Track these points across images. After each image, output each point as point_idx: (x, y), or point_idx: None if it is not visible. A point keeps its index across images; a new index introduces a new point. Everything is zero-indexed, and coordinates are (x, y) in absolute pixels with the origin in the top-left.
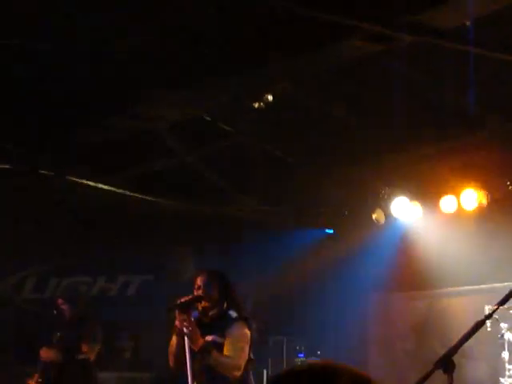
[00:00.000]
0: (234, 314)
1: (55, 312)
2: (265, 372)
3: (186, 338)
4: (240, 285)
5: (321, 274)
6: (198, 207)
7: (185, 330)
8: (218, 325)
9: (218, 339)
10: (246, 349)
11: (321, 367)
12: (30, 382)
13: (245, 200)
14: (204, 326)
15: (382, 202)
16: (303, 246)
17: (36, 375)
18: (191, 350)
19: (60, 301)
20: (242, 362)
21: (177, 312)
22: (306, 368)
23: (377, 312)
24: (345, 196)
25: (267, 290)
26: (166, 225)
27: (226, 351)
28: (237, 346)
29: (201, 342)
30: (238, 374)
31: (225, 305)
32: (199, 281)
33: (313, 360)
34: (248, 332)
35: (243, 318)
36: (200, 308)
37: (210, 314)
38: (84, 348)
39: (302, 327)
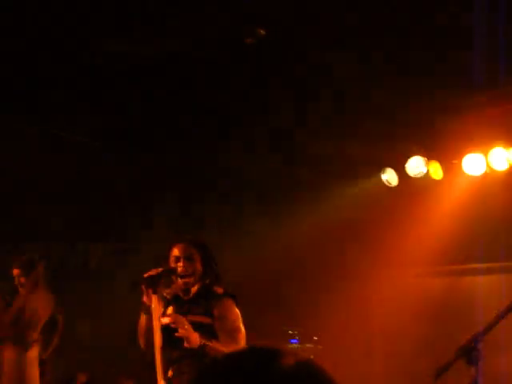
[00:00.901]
0: (219, 289)
1: None
2: None
3: (153, 317)
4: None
5: (321, 247)
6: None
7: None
8: (201, 303)
9: (205, 320)
10: (243, 327)
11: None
12: None
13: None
14: (185, 305)
15: (394, 161)
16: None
17: None
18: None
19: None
20: (244, 343)
21: (144, 287)
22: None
23: (384, 291)
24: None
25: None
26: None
27: (222, 337)
28: (233, 328)
29: (198, 341)
30: None
31: (207, 280)
32: (178, 251)
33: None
34: (237, 310)
35: (230, 295)
36: (178, 283)
37: (192, 290)
38: (34, 336)
39: (295, 308)
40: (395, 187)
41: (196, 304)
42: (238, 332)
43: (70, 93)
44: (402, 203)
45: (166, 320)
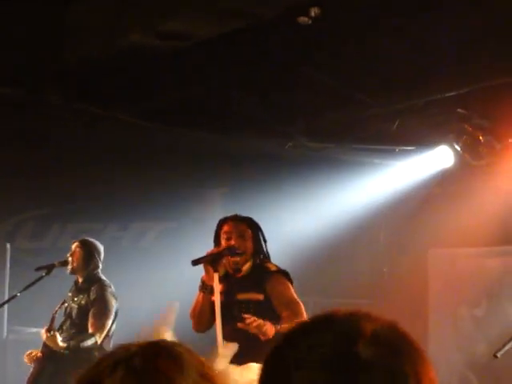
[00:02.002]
0: (272, 266)
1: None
2: None
3: (215, 295)
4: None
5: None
6: (231, 141)
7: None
8: (252, 279)
9: (256, 296)
10: (298, 299)
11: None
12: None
13: (291, 134)
14: (236, 283)
15: (446, 137)
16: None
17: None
18: (223, 309)
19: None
20: (304, 312)
21: (205, 266)
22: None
23: (438, 272)
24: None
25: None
26: (190, 163)
27: (283, 312)
28: (291, 300)
29: (273, 330)
30: None
31: (258, 258)
32: (229, 228)
33: None
34: (290, 284)
35: (283, 271)
36: (228, 260)
37: (243, 269)
38: (92, 326)
39: (346, 287)
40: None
41: (247, 281)
42: (297, 304)
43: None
44: (457, 181)
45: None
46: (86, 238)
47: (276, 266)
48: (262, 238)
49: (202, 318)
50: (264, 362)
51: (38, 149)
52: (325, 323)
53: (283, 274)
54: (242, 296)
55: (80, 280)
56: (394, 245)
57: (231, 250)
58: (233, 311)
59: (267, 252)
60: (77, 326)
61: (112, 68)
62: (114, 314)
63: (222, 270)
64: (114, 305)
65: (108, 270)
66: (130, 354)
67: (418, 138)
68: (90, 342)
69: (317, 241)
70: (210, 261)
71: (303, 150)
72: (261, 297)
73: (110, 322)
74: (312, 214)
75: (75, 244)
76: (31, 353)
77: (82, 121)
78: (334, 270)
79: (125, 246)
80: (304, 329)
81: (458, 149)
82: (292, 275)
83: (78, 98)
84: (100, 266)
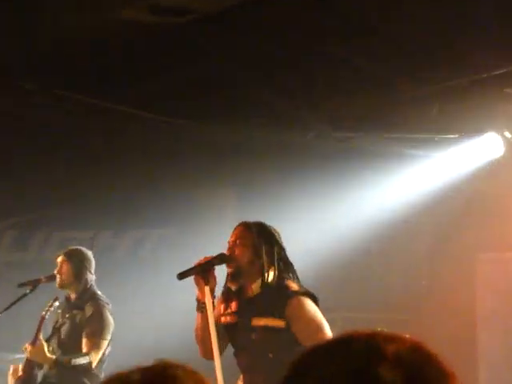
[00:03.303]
0: (292, 285)
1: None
2: None
3: (208, 313)
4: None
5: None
6: (246, 133)
7: None
8: (269, 301)
9: (276, 323)
10: (325, 323)
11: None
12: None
13: (313, 122)
14: (249, 304)
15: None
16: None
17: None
18: (230, 326)
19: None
20: None
21: (195, 279)
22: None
23: (488, 281)
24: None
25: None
26: (196, 158)
27: (305, 342)
28: (314, 328)
29: None
30: None
31: (274, 273)
32: (233, 238)
33: None
34: (315, 306)
35: (306, 292)
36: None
37: (253, 285)
38: (86, 346)
39: (382, 298)
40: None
41: (262, 302)
42: (321, 332)
43: None
44: (508, 174)
45: (229, 318)
46: (72, 248)
47: (298, 285)
48: (279, 249)
49: (206, 342)
50: None
51: (16, 143)
52: (342, 345)
53: (307, 295)
54: (257, 322)
55: (73, 296)
56: (435, 250)
57: (223, 259)
58: (251, 336)
59: (289, 265)
60: (65, 346)
61: (97, 50)
62: (110, 334)
63: (233, 286)
64: (111, 324)
65: (100, 283)
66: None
67: (461, 124)
68: (83, 361)
69: (344, 247)
70: (200, 272)
71: (327, 140)
72: (281, 324)
73: (106, 343)
74: (338, 217)
75: (60, 258)
76: (16, 369)
77: (66, 110)
78: (365, 281)
79: (119, 256)
80: (319, 352)
81: (509, 136)
82: (316, 288)
83: (59, 84)
84: (93, 277)
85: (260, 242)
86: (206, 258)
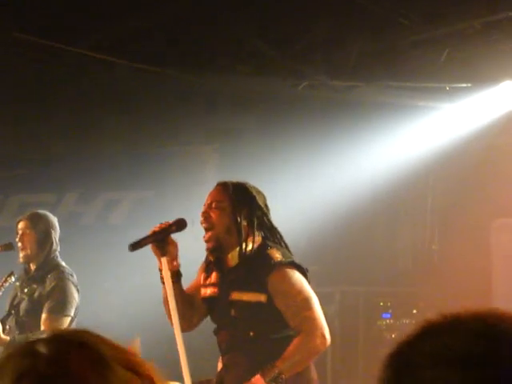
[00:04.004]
0: (275, 254)
1: None
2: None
3: (166, 287)
4: None
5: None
6: (228, 83)
7: None
8: (250, 272)
9: (257, 297)
10: (313, 296)
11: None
12: None
13: (307, 70)
14: (228, 276)
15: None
16: None
17: None
18: (210, 299)
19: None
20: (323, 323)
21: (152, 249)
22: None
23: (504, 249)
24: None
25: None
26: (173, 111)
27: (290, 321)
28: (300, 305)
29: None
30: (325, 345)
31: (254, 241)
32: (209, 200)
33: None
34: (305, 279)
35: (291, 263)
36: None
37: (230, 255)
38: (45, 323)
39: (387, 269)
40: None
41: (242, 274)
42: (309, 308)
43: None
44: None
45: (209, 291)
46: (35, 212)
47: (283, 254)
48: (256, 211)
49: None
50: (384, 368)
51: None
52: (453, 324)
53: (293, 265)
54: (236, 296)
55: (33, 267)
56: (446, 214)
57: (180, 226)
58: (230, 312)
59: (272, 230)
60: (24, 325)
61: None
62: (74, 310)
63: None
64: (75, 298)
65: (65, 255)
66: (36, 360)
67: (474, 72)
68: None
69: (342, 212)
70: (155, 242)
71: (323, 90)
72: (263, 298)
73: (68, 320)
74: (336, 176)
75: (22, 223)
76: None
77: (29, 57)
78: (367, 249)
79: (87, 223)
80: (427, 331)
81: None
82: (310, 259)
83: (21, 29)
84: (58, 247)
85: (238, 205)
86: (161, 224)
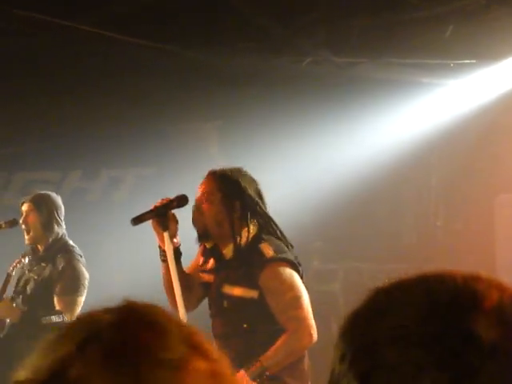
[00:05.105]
0: (267, 250)
1: None
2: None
3: (169, 263)
4: None
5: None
6: (230, 59)
7: None
8: (242, 267)
9: (248, 292)
10: (305, 298)
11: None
12: None
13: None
14: (222, 267)
15: None
16: None
17: None
18: (207, 285)
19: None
20: (311, 322)
21: (153, 225)
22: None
23: (508, 225)
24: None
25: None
26: (174, 88)
27: (280, 319)
28: (288, 301)
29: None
30: (311, 343)
31: (248, 234)
32: (202, 188)
33: None
34: (296, 276)
35: (283, 259)
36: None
37: (225, 250)
38: (59, 304)
39: (390, 245)
40: None
41: (236, 269)
42: (297, 306)
43: None
44: None
45: (206, 276)
46: (39, 194)
47: (275, 249)
48: (248, 203)
49: (172, 294)
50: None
51: None
52: (419, 288)
53: (285, 262)
54: (229, 290)
55: (40, 248)
56: (450, 191)
57: (182, 201)
58: (223, 303)
59: (266, 219)
60: (33, 303)
61: None
62: (86, 290)
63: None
64: (87, 278)
65: (69, 232)
66: (101, 326)
67: (478, 48)
68: (55, 319)
69: (345, 189)
70: (156, 216)
71: (326, 66)
72: (254, 294)
73: (82, 299)
74: (338, 152)
75: (26, 205)
76: None
77: (29, 33)
78: (371, 225)
79: (91, 200)
80: (396, 294)
81: None
82: (313, 236)
83: (21, 5)
84: (64, 227)
85: (230, 198)
86: (163, 200)
